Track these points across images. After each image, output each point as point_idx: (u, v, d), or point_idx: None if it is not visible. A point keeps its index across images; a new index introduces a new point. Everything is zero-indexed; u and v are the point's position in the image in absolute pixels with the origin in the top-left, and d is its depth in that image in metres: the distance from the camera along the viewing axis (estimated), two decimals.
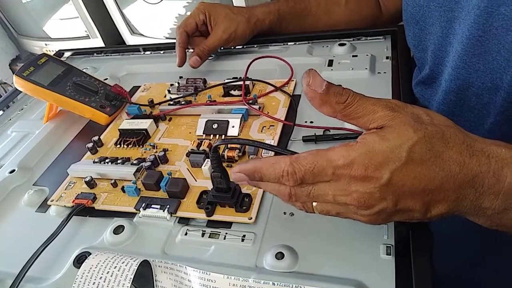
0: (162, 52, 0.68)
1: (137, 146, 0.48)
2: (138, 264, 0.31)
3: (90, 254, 0.35)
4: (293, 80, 0.53)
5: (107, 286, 0.30)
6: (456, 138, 0.25)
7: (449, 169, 0.25)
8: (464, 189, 0.25)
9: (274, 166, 0.27)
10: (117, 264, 0.31)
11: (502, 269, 0.53)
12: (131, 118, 0.51)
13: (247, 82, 0.52)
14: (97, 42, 1.26)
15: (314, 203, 0.28)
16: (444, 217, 0.27)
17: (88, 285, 0.30)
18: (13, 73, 0.53)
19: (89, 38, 1.27)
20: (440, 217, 0.27)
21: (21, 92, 0.62)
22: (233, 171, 0.29)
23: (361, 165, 0.25)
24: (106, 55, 0.72)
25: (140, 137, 0.48)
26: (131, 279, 0.30)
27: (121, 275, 0.30)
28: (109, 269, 0.31)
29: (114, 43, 1.25)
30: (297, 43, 0.61)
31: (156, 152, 0.46)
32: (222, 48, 0.64)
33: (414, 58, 0.52)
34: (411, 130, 0.25)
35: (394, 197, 0.25)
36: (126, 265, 0.30)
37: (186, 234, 0.37)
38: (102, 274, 0.31)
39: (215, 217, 0.37)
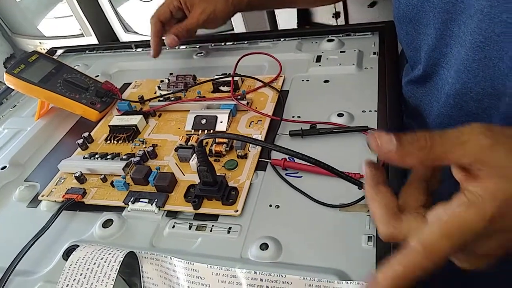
0: None
1: (127, 142, 0.48)
2: (124, 255, 0.31)
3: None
4: (281, 76, 0.53)
5: (94, 277, 0.30)
6: None
7: None
8: None
9: (410, 275, 0.24)
10: (104, 255, 0.31)
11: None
12: (121, 114, 0.52)
13: (236, 78, 0.53)
14: (92, 40, 1.27)
15: None
16: None
17: (76, 276, 0.31)
18: None
19: (84, 36, 1.27)
20: None
21: (13, 90, 0.63)
22: None
23: (497, 218, 0.22)
24: (98, 52, 0.72)
25: (130, 133, 0.49)
26: (117, 270, 0.30)
27: (108, 266, 0.31)
28: (96, 260, 0.31)
29: (108, 41, 1.26)
30: (286, 39, 0.62)
31: (145, 147, 0.46)
32: (212, 45, 0.65)
33: (403, 54, 0.52)
34: None
35: None
36: (112, 257, 0.31)
37: (173, 227, 0.38)
38: (89, 265, 0.31)
39: (202, 210, 0.38)
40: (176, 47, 0.66)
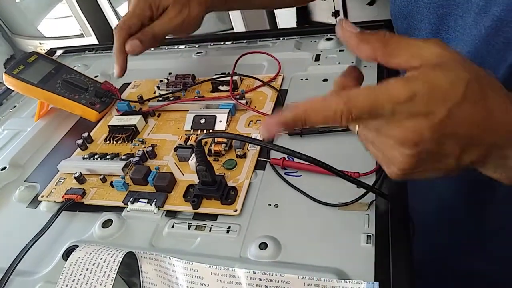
0: (152, 49, 0.68)
1: (126, 142, 0.48)
2: (123, 255, 0.31)
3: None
4: (280, 75, 0.53)
5: (93, 277, 0.31)
6: (499, 86, 0.25)
7: (494, 113, 0.24)
8: (501, 136, 0.25)
9: (323, 111, 0.25)
10: (103, 256, 0.32)
11: (489, 259, 0.53)
12: (121, 115, 0.52)
13: (235, 78, 0.53)
14: (91, 40, 1.27)
15: (358, 128, 0.27)
16: (470, 167, 0.26)
17: (75, 276, 0.31)
18: None
19: (83, 36, 1.28)
20: (467, 166, 0.26)
21: (13, 90, 0.63)
22: (267, 125, 0.26)
23: (422, 100, 0.23)
24: (98, 53, 0.72)
25: (129, 133, 0.49)
26: (116, 270, 0.30)
27: (107, 266, 0.31)
28: (95, 260, 0.31)
29: (108, 41, 1.26)
30: (285, 38, 0.62)
31: (145, 147, 0.46)
32: (212, 44, 0.65)
33: None
34: (462, 68, 0.24)
35: (442, 137, 0.24)
36: (111, 257, 0.31)
37: (173, 227, 0.38)
38: (88, 265, 0.31)
39: (201, 209, 0.38)
40: (175, 46, 0.66)
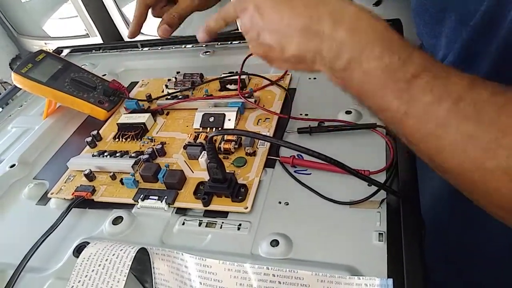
0: (159, 48, 0.68)
1: (135, 140, 0.48)
2: (136, 251, 0.31)
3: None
4: (288, 74, 0.53)
5: (106, 273, 0.31)
6: None
7: (296, 9, 0.30)
8: (308, 30, 0.30)
9: (219, 14, 0.38)
10: (116, 252, 0.32)
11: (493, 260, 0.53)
12: (129, 113, 0.52)
13: (243, 76, 0.53)
14: (96, 40, 1.27)
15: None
16: (300, 60, 0.32)
17: (88, 272, 0.31)
18: None
19: (89, 36, 1.28)
20: (296, 59, 0.32)
21: (21, 89, 0.63)
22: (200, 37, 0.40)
23: (241, 2, 0.34)
24: (105, 52, 0.72)
25: (138, 131, 0.49)
26: (129, 266, 0.30)
27: (120, 262, 0.31)
28: (108, 256, 0.31)
29: (114, 41, 1.26)
30: None
31: (154, 145, 0.47)
32: (219, 43, 0.65)
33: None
34: None
35: (257, 28, 0.33)
36: (124, 253, 0.31)
37: (183, 224, 0.38)
38: (101, 261, 0.31)
39: (211, 207, 0.38)
40: (183, 46, 0.67)
